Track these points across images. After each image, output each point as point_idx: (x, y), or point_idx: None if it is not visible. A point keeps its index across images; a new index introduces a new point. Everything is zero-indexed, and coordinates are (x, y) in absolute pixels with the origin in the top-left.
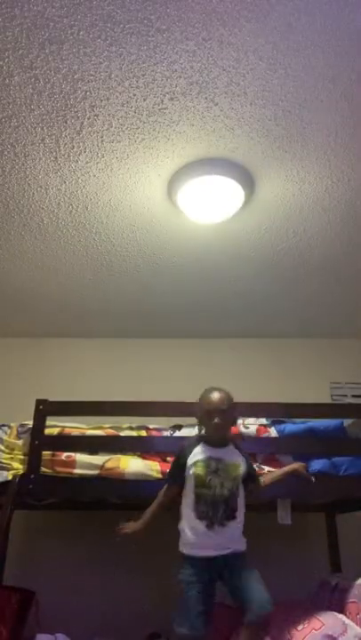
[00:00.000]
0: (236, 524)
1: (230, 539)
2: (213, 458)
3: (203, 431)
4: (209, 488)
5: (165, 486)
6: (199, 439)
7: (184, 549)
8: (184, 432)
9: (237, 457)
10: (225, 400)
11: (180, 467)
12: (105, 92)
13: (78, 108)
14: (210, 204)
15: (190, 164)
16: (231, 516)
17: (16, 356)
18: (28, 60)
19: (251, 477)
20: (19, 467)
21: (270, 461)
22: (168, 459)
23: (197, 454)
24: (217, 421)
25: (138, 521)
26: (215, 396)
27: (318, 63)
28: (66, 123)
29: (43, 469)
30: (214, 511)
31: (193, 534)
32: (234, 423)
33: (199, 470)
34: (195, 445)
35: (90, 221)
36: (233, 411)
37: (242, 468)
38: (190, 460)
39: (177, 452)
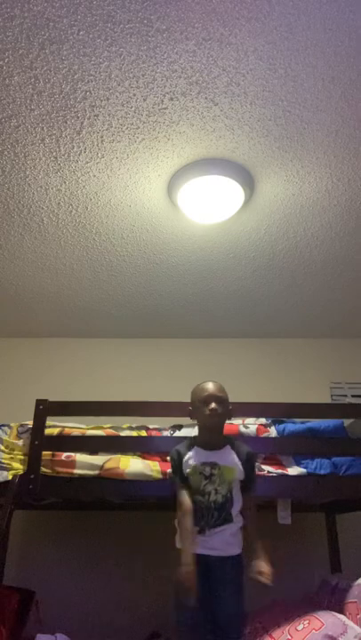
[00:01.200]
0: (233, 526)
1: (225, 541)
2: (207, 463)
3: (196, 434)
4: (203, 495)
5: (179, 492)
6: (192, 443)
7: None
8: (184, 432)
9: (233, 460)
10: (220, 388)
11: (179, 467)
12: (105, 92)
13: (78, 108)
14: (210, 204)
15: (190, 164)
16: (227, 519)
17: (16, 356)
18: (28, 60)
19: (248, 484)
20: (19, 467)
21: (271, 461)
22: (168, 458)
23: (190, 459)
24: (213, 406)
25: (184, 559)
26: (210, 384)
27: (318, 63)
28: (66, 123)
29: (43, 469)
30: (207, 518)
31: None
32: (229, 416)
33: (193, 476)
34: (187, 450)
35: (90, 221)
36: (228, 402)
37: (237, 472)
38: (183, 466)
39: (171, 455)
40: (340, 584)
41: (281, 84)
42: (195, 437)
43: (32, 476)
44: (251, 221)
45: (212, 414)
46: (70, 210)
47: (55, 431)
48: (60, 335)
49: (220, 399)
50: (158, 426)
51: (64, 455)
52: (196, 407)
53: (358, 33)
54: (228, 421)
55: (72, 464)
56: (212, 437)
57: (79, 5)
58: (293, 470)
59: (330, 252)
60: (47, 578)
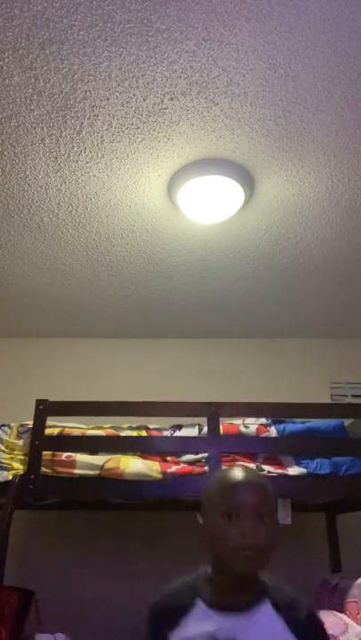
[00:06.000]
0: None
1: None
2: None
3: (207, 570)
4: None
5: None
6: (194, 590)
7: None
8: (184, 432)
9: (278, 636)
10: (263, 486)
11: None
12: (105, 92)
13: (78, 108)
14: (210, 204)
15: (190, 164)
16: None
17: (16, 355)
18: (28, 60)
19: None
20: (19, 467)
21: (271, 461)
22: (168, 458)
23: (190, 628)
24: (249, 529)
25: None
26: (242, 475)
27: (318, 63)
28: (66, 123)
29: (43, 469)
30: None
31: None
32: (275, 545)
33: None
34: (187, 605)
35: (90, 221)
36: (275, 515)
37: None
38: None
39: (147, 621)
40: (340, 584)
41: (281, 83)
42: (203, 579)
43: (32, 476)
44: (251, 221)
45: (244, 558)
46: (70, 210)
47: (55, 431)
48: (60, 335)
49: (262, 517)
50: (158, 426)
51: (64, 455)
52: (210, 519)
53: (358, 33)
54: (228, 421)
55: (72, 464)
56: (239, 587)
57: (79, 5)
58: (293, 470)
59: (330, 252)
60: (47, 578)
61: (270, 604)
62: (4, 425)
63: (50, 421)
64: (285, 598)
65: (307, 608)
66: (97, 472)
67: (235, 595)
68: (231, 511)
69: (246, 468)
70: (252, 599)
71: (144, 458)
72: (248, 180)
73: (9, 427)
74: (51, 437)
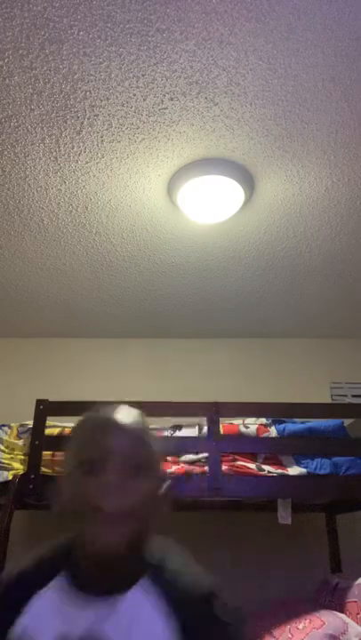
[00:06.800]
0: None
1: None
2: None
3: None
4: None
5: None
6: (52, 564)
7: None
8: (184, 432)
9: (152, 629)
10: (137, 435)
11: None
12: (105, 92)
13: (78, 108)
14: (210, 204)
15: (190, 164)
16: None
17: (16, 356)
18: (28, 60)
19: None
20: (19, 467)
21: (271, 461)
22: (168, 458)
23: (34, 622)
24: (110, 479)
25: None
26: (107, 422)
27: (318, 63)
28: (66, 123)
29: (43, 469)
30: None
31: None
32: (157, 509)
33: None
34: (33, 583)
35: (90, 221)
36: (155, 469)
37: None
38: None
39: None
40: (340, 584)
41: (281, 83)
42: (68, 551)
43: (32, 476)
44: (251, 221)
45: (103, 508)
46: (70, 210)
47: (55, 431)
48: (60, 335)
49: (140, 464)
50: (158, 426)
51: None
52: (66, 473)
53: (358, 33)
54: (228, 421)
55: None
56: (102, 567)
57: (79, 5)
58: (293, 470)
59: (330, 252)
60: None
61: (148, 585)
62: (4, 425)
63: (50, 421)
64: (170, 581)
65: (201, 591)
66: None
67: (101, 574)
68: (90, 461)
69: (124, 408)
70: (124, 577)
71: None
72: (248, 180)
73: (9, 427)
74: (51, 437)
